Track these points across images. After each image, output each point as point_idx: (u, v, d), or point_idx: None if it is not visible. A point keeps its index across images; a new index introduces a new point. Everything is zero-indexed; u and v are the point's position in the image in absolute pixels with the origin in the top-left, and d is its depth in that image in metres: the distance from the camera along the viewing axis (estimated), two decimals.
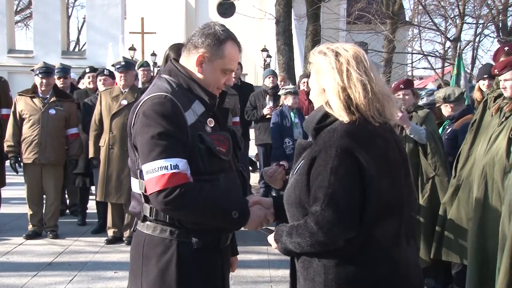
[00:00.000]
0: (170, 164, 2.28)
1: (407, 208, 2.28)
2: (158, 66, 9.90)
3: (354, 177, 2.12)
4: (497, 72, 4.16)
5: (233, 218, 2.39)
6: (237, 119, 8.38)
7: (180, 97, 2.42)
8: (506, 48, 4.80)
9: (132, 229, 2.62)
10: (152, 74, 9.43)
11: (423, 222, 4.97)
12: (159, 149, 2.30)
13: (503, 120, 4.20)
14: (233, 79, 8.65)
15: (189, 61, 2.53)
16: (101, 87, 7.45)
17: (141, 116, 2.37)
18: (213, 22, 2.59)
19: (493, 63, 4.81)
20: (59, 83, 7.90)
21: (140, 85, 8.50)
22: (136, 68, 8.85)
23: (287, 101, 7.58)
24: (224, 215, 2.40)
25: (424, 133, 5.09)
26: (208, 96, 2.51)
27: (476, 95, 6.09)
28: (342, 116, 2.21)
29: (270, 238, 2.41)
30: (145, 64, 9.37)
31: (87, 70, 8.44)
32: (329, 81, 2.26)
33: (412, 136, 5.08)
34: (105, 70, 7.94)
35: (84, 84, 8.44)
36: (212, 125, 2.49)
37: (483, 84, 6.04)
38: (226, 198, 2.45)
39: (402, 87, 5.41)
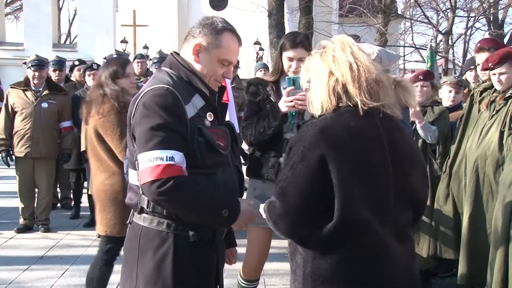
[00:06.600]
0: (166, 156, 2.28)
1: (399, 209, 2.23)
2: (151, 59, 9.88)
3: (312, 176, 2.11)
4: (492, 66, 4.14)
5: (223, 216, 2.40)
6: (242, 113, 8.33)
7: (181, 90, 2.41)
8: (478, 44, 4.79)
9: (128, 221, 2.62)
10: (147, 66, 9.40)
11: (425, 220, 4.79)
12: (157, 140, 2.30)
13: (493, 113, 4.21)
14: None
15: (187, 51, 2.53)
16: (90, 82, 7.42)
17: (141, 107, 2.37)
18: (214, 16, 2.59)
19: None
20: (54, 75, 7.88)
21: None
22: (132, 60, 8.80)
23: None
24: (215, 213, 2.40)
25: (436, 134, 4.86)
26: (208, 90, 2.51)
27: None
28: (322, 105, 2.20)
29: (261, 208, 2.43)
30: (139, 56, 9.35)
31: (76, 63, 8.39)
32: (316, 72, 2.27)
33: (420, 132, 4.84)
34: (93, 64, 7.91)
35: (75, 77, 8.38)
36: (211, 119, 2.48)
37: (470, 75, 6.06)
38: (219, 196, 2.45)
39: (421, 78, 5.13)
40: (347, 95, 2.19)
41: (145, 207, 2.45)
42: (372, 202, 2.14)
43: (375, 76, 2.23)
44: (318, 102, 2.22)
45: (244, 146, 10.94)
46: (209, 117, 2.48)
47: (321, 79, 2.24)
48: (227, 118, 2.91)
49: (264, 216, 2.35)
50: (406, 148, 2.30)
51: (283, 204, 2.16)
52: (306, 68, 2.36)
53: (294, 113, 3.62)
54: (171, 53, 2.61)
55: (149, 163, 2.29)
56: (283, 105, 3.52)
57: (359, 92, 2.18)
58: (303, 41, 3.69)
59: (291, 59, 3.68)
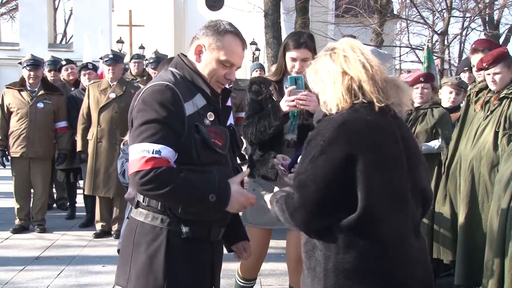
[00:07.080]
0: (153, 149, 2.31)
1: (414, 205, 2.28)
2: (147, 59, 9.85)
3: (331, 170, 2.14)
4: (486, 66, 4.16)
5: (210, 201, 2.37)
6: (242, 114, 8.32)
7: (182, 87, 2.44)
8: (473, 46, 4.79)
9: (126, 216, 2.64)
10: (143, 66, 9.40)
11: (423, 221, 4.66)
12: (148, 133, 2.33)
13: (488, 114, 4.22)
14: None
15: (191, 52, 2.57)
16: (85, 81, 7.40)
17: (140, 102, 2.41)
18: (220, 19, 2.61)
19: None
20: (49, 76, 7.84)
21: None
22: (128, 60, 8.77)
23: None
24: (201, 198, 2.37)
25: (439, 149, 4.82)
26: (210, 90, 2.52)
27: None
28: (337, 104, 2.23)
29: (267, 197, 2.45)
30: (135, 57, 9.34)
31: (63, 62, 8.35)
32: (327, 72, 2.30)
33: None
34: (88, 64, 7.88)
35: (63, 76, 8.34)
36: (212, 119, 2.50)
37: (464, 76, 6.09)
38: (204, 181, 2.41)
39: (422, 80, 5.07)
40: (363, 93, 2.24)
41: (141, 201, 2.48)
42: (393, 195, 2.20)
43: (385, 76, 2.30)
44: (333, 101, 2.25)
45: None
46: (210, 116, 2.50)
47: (335, 78, 2.28)
48: None
49: (269, 206, 2.39)
50: (413, 145, 2.37)
51: (301, 196, 2.19)
52: (314, 70, 2.38)
53: (296, 114, 3.57)
54: (178, 54, 2.65)
55: (136, 155, 2.33)
56: (284, 104, 3.45)
57: (374, 89, 2.23)
58: (306, 41, 3.60)
59: (294, 60, 3.60)
